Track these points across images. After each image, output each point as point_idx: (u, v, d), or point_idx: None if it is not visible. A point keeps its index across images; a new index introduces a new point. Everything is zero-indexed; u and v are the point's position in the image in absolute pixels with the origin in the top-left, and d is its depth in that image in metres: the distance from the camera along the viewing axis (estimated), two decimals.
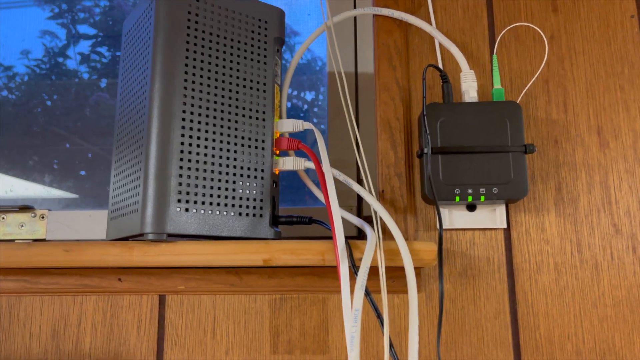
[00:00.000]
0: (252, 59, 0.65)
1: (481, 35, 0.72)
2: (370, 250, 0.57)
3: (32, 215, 0.89)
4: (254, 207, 0.63)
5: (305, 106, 0.98)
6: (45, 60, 1.04)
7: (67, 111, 0.99)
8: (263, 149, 0.65)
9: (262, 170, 0.64)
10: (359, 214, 0.82)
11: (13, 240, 0.89)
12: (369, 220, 0.78)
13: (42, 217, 0.89)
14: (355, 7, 0.88)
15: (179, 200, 0.59)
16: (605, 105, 0.69)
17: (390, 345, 0.54)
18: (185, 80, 0.61)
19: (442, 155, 0.63)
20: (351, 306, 0.52)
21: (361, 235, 0.78)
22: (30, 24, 1.06)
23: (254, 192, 0.63)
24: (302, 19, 1.02)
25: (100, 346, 0.66)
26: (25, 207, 0.90)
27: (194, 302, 0.66)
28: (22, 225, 0.89)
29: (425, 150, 0.63)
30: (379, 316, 0.56)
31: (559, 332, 0.64)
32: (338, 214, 0.58)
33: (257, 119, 0.65)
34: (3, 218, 0.89)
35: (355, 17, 0.88)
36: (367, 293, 0.56)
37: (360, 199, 0.83)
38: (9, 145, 0.99)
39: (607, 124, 0.69)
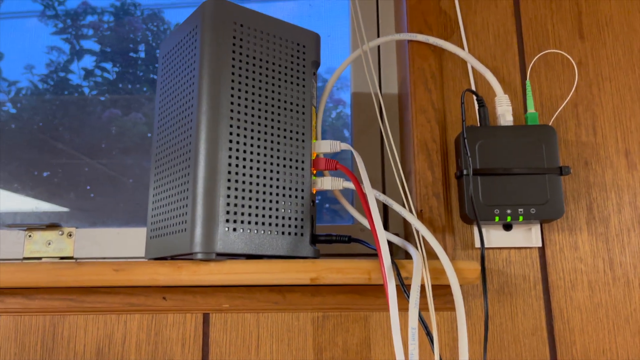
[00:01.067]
0: (292, 82, 0.67)
1: (512, 61, 0.75)
2: (419, 270, 0.59)
3: (60, 233, 0.90)
4: (295, 226, 0.64)
5: None
6: (49, 74, 1.04)
7: (79, 127, 1.00)
8: (303, 169, 0.66)
9: (302, 190, 0.66)
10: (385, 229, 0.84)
11: (40, 259, 0.89)
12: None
13: (70, 235, 0.90)
14: (378, 34, 0.91)
15: (227, 220, 0.60)
16: (632, 129, 0.73)
17: None
18: (232, 104, 0.62)
19: (481, 176, 0.66)
20: (399, 325, 0.54)
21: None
22: (34, 39, 1.07)
23: (295, 211, 0.65)
24: (322, 40, 1.05)
25: None
26: (52, 225, 0.90)
27: (237, 320, 0.67)
28: (49, 243, 0.89)
29: (466, 172, 0.65)
30: (429, 334, 0.57)
31: (594, 347, 0.67)
32: (383, 235, 0.60)
33: (297, 140, 0.66)
34: (30, 236, 0.89)
35: None
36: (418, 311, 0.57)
37: (386, 216, 0.85)
38: (13, 159, 0.99)
39: (635, 147, 0.72)
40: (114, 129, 1.00)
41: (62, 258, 0.90)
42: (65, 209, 0.99)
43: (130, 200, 0.97)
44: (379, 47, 0.91)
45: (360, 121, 0.89)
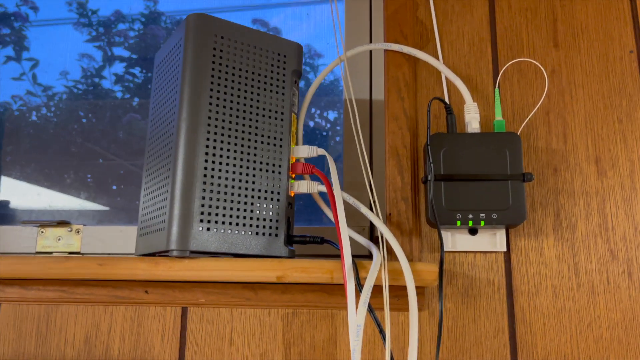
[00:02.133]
0: (271, 91, 0.71)
1: (485, 69, 0.77)
2: (375, 270, 0.61)
3: (69, 229, 0.97)
4: (270, 227, 0.68)
5: (328, 125, 1.03)
6: (83, 80, 1.12)
7: (110, 130, 1.07)
8: (280, 173, 0.70)
9: (279, 193, 0.69)
10: (371, 234, 0.87)
11: (51, 253, 0.97)
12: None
13: (78, 232, 0.97)
14: (370, 40, 0.94)
15: (202, 220, 0.64)
16: (603, 136, 0.73)
17: (392, 358, 0.59)
18: (210, 111, 0.67)
19: (444, 182, 0.68)
20: (355, 323, 0.57)
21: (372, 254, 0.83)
22: (69, 46, 1.15)
23: (271, 213, 0.68)
24: (321, 47, 1.08)
25: (127, 353, 0.72)
26: (62, 222, 0.97)
27: (213, 314, 0.72)
28: (59, 239, 0.96)
29: (429, 177, 0.67)
30: (382, 332, 0.60)
31: (556, 351, 0.68)
32: (346, 236, 0.63)
33: (274, 145, 0.70)
34: (42, 232, 0.97)
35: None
36: (371, 310, 0.60)
37: None
38: (47, 159, 1.07)
39: (605, 154, 0.73)
40: (135, 131, 1.07)
41: (70, 253, 0.97)
42: (105, 208, 1.06)
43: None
44: (370, 52, 0.94)
45: (351, 127, 0.92)
